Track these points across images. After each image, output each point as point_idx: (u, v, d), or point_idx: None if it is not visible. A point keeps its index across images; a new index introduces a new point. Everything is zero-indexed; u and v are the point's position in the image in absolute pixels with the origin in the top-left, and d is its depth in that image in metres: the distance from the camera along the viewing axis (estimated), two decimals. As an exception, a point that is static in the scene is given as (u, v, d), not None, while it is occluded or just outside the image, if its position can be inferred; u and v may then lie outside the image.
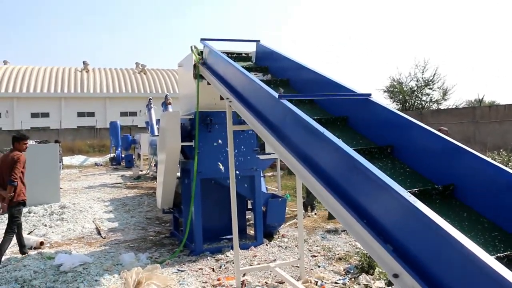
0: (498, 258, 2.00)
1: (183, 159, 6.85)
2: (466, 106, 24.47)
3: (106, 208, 10.59)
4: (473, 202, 2.51)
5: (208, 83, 5.38)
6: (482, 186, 2.46)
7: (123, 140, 22.92)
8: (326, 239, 7.20)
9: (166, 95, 15.56)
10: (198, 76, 5.77)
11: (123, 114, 45.93)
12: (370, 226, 2.22)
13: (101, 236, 7.76)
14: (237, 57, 5.74)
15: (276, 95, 3.34)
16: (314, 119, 2.96)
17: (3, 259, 6.03)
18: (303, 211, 8.96)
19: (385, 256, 2.09)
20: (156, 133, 16.88)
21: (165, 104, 15.06)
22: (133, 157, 22.41)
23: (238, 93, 4.28)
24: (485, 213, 2.43)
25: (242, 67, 4.42)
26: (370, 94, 3.49)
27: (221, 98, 4.78)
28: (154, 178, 16.52)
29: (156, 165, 17.87)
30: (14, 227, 6.09)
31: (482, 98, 20.85)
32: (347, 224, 2.42)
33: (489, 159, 2.51)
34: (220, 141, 6.38)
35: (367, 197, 2.29)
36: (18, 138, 6.24)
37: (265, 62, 5.44)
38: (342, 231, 7.64)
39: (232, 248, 6.40)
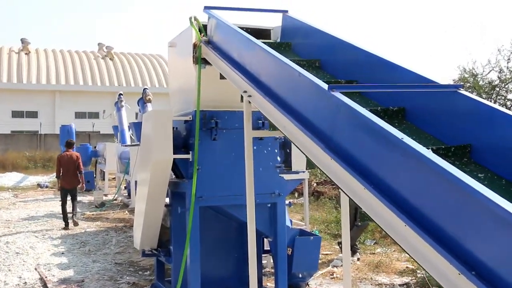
0: None
1: (175, 178, 6.81)
2: None
3: (56, 249, 10.52)
4: None
5: (222, 78, 5.32)
6: None
7: (80, 152, 22.93)
8: (377, 296, 7.10)
9: (145, 89, 15.60)
10: (199, 61, 5.78)
11: (80, 115, 46.31)
12: (486, 283, 2.15)
13: (49, 292, 7.70)
14: (253, 33, 5.74)
15: (325, 86, 3.32)
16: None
17: None
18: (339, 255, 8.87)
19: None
20: (128, 142, 16.89)
21: (143, 102, 15.10)
22: (94, 176, 22.47)
23: (263, 85, 4.29)
24: None
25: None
26: (461, 86, 3.54)
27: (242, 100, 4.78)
28: (124, 205, 16.52)
29: (127, 187, 18.02)
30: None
31: None
32: (444, 278, 2.37)
33: None
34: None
35: (480, 239, 2.22)
36: (72, 144, 14.18)
37: (294, 40, 5.51)
38: (400, 285, 7.53)
39: (243, 309, 6.36)
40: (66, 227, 12.85)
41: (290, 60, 4.02)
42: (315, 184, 16.94)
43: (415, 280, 7.64)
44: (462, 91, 3.49)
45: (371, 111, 3.13)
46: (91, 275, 8.52)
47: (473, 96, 3.44)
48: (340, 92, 3.27)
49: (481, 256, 2.20)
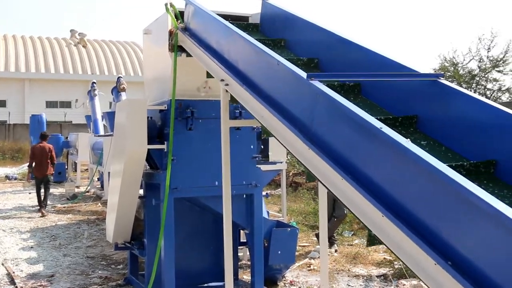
0: None
1: (149, 169, 6.80)
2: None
3: (24, 243, 10.44)
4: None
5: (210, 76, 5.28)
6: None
7: (51, 143, 22.69)
8: (355, 289, 7.18)
9: (119, 78, 15.56)
10: (175, 48, 5.77)
11: (51, 104, 45.71)
12: (461, 272, 2.17)
13: (16, 287, 7.60)
14: (231, 20, 5.75)
15: (303, 75, 3.33)
16: None
17: None
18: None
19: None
20: (101, 133, 16.76)
21: (117, 91, 15.04)
22: (66, 167, 22.28)
23: (240, 73, 4.30)
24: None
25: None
26: (441, 75, 3.63)
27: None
28: (97, 197, 16.42)
29: (100, 179, 17.89)
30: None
31: None
32: (420, 269, 2.40)
33: None
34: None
35: (456, 229, 2.26)
36: (46, 136, 14.92)
37: (275, 28, 5.51)
38: (377, 276, 7.62)
39: (219, 302, 6.39)
40: (41, 210, 13.85)
41: (256, 39, 4.14)
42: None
43: (392, 271, 7.74)
44: (443, 80, 3.55)
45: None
46: (61, 270, 8.46)
47: (449, 84, 3.54)
48: (318, 80, 3.29)
49: (457, 246, 2.24)
